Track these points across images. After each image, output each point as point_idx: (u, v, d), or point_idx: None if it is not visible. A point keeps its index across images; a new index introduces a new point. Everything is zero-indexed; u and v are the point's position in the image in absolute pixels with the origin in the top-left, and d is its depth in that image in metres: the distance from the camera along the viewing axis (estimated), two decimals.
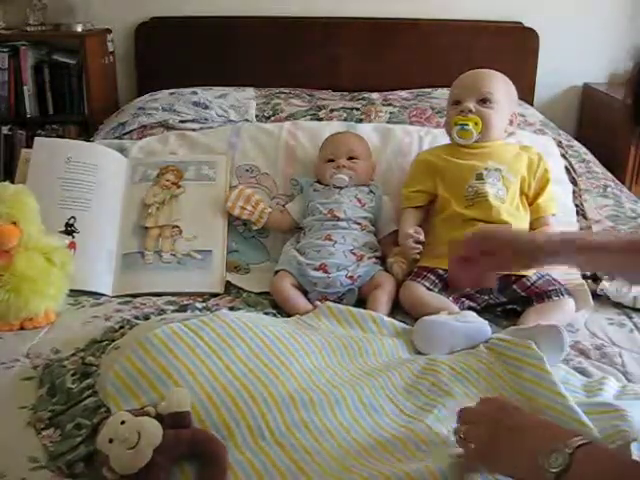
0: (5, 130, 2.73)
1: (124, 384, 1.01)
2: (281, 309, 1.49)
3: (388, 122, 2.14)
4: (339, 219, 1.62)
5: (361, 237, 1.60)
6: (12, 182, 1.58)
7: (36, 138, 1.82)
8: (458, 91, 1.70)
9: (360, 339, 1.22)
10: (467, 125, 1.64)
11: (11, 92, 2.67)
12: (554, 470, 0.71)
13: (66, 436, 1.00)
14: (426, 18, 2.61)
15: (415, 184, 1.70)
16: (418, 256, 1.53)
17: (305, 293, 1.53)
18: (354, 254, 1.56)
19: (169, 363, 1.03)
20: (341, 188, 1.67)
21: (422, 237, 1.54)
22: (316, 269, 1.52)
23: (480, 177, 1.60)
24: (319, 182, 1.73)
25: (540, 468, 0.72)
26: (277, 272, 1.57)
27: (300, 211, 1.70)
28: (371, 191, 1.70)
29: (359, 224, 1.63)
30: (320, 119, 2.18)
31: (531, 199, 1.65)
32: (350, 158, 1.70)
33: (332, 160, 1.70)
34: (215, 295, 1.61)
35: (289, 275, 1.54)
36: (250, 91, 2.41)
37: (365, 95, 2.40)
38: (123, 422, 0.90)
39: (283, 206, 1.77)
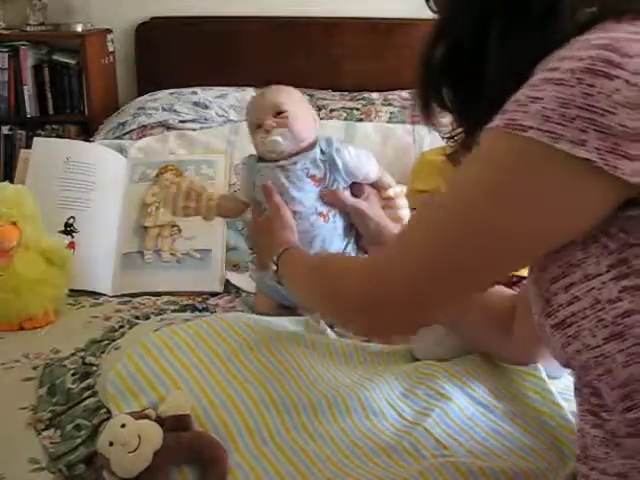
0: (5, 130, 2.73)
1: (124, 384, 1.01)
2: None
3: (388, 122, 2.14)
4: (295, 213, 1.27)
5: (328, 233, 1.29)
6: (12, 182, 1.59)
7: (35, 138, 1.83)
8: None
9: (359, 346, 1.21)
10: None
11: (11, 92, 2.67)
12: (273, 272, 1.09)
13: (66, 437, 1.00)
14: (426, 18, 2.60)
15: (418, 184, 1.70)
16: None
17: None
18: None
19: (170, 364, 1.02)
20: (283, 167, 1.30)
21: None
22: None
23: None
24: (261, 159, 1.36)
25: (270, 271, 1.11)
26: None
27: (247, 186, 1.38)
28: (322, 151, 1.31)
29: (321, 214, 1.29)
30: (320, 119, 2.17)
31: None
32: (278, 114, 1.31)
33: (260, 126, 1.32)
34: (214, 294, 1.61)
35: (268, 299, 1.39)
36: (250, 91, 2.40)
37: (365, 95, 2.40)
38: (123, 425, 0.90)
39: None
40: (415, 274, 0.69)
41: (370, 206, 1.30)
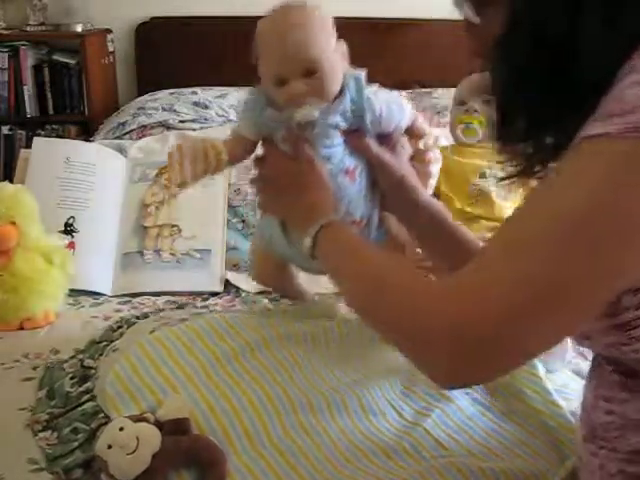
0: (5, 130, 2.73)
1: (123, 386, 1.01)
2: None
3: None
4: None
5: (354, 195, 1.06)
6: (12, 182, 1.58)
7: (35, 138, 1.83)
8: (463, 92, 1.72)
9: (360, 344, 1.20)
10: (472, 124, 1.66)
11: (11, 92, 2.68)
12: (308, 247, 0.90)
13: (63, 440, 1.00)
14: (426, 18, 2.60)
15: None
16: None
17: None
18: (354, 223, 1.08)
19: (168, 366, 1.02)
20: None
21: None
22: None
23: (483, 175, 1.64)
24: (271, 102, 1.07)
25: (303, 244, 0.91)
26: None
27: (255, 125, 1.10)
28: (351, 100, 1.05)
29: (348, 173, 1.06)
30: None
31: None
32: (308, 73, 1.02)
33: (282, 81, 1.03)
34: (214, 294, 1.61)
35: (271, 258, 1.16)
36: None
37: None
38: (122, 428, 0.90)
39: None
40: (513, 292, 0.58)
41: (396, 158, 1.09)
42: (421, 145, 1.15)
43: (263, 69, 1.08)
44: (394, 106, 1.09)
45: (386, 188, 1.08)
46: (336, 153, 1.05)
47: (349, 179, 1.05)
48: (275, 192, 1.03)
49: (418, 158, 1.15)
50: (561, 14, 0.62)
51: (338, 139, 1.05)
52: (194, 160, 1.04)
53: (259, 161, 1.08)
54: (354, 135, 1.06)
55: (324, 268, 0.91)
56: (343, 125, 1.05)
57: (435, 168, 1.18)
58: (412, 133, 1.14)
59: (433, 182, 1.19)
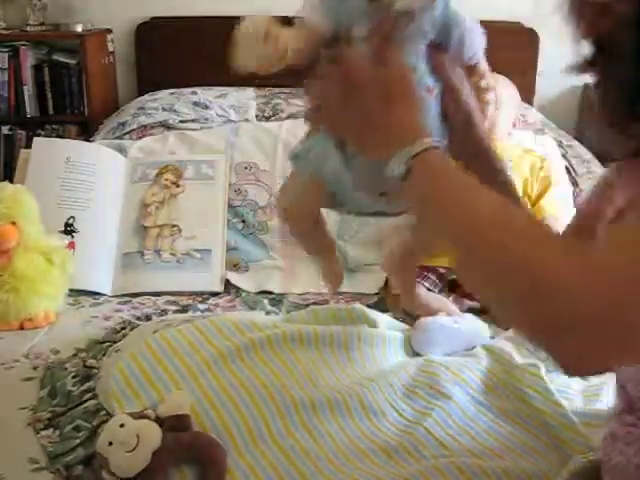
0: (5, 130, 2.73)
1: (126, 381, 1.01)
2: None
3: None
4: None
5: (433, 115, 0.89)
6: (12, 182, 1.58)
7: (35, 138, 1.83)
8: None
9: (361, 341, 1.20)
10: None
11: (11, 92, 2.67)
12: (399, 174, 0.71)
13: (65, 437, 1.00)
14: None
15: None
16: None
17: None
18: None
19: (172, 364, 1.02)
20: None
21: None
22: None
23: None
24: None
25: (387, 166, 0.73)
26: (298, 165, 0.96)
27: (334, 14, 0.90)
28: (441, 13, 0.90)
29: (428, 90, 0.89)
30: None
31: (533, 200, 1.67)
32: None
33: None
34: (214, 294, 1.61)
35: (317, 186, 0.92)
36: (250, 91, 2.41)
37: None
38: (122, 425, 0.90)
39: None
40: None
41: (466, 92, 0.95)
42: (483, 84, 1.02)
43: None
44: (474, 34, 0.95)
45: (453, 118, 0.92)
46: (421, 65, 0.88)
47: (430, 97, 0.89)
48: (346, 102, 0.79)
49: (478, 96, 1.01)
50: None
51: (423, 51, 0.89)
52: (258, 45, 0.89)
53: (326, 60, 0.84)
54: (436, 51, 0.90)
55: (418, 203, 0.73)
56: (431, 35, 0.89)
57: (490, 109, 1.13)
58: (475, 71, 1.00)
59: (487, 125, 1.11)
